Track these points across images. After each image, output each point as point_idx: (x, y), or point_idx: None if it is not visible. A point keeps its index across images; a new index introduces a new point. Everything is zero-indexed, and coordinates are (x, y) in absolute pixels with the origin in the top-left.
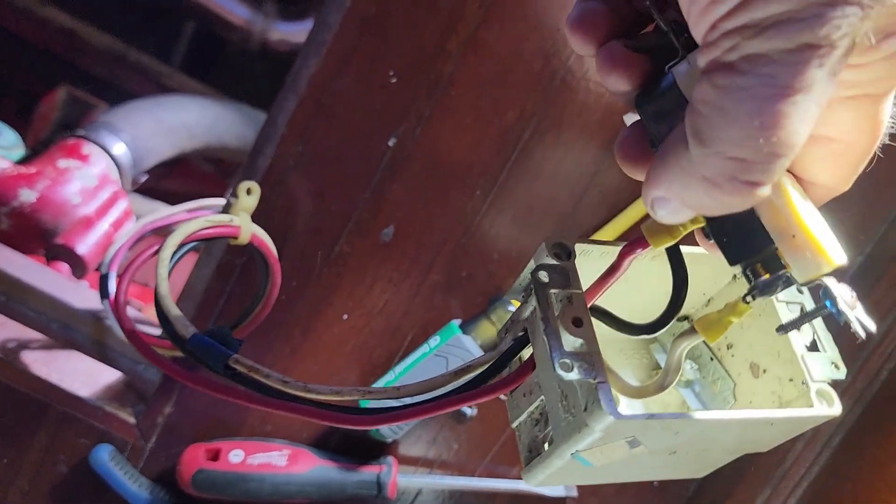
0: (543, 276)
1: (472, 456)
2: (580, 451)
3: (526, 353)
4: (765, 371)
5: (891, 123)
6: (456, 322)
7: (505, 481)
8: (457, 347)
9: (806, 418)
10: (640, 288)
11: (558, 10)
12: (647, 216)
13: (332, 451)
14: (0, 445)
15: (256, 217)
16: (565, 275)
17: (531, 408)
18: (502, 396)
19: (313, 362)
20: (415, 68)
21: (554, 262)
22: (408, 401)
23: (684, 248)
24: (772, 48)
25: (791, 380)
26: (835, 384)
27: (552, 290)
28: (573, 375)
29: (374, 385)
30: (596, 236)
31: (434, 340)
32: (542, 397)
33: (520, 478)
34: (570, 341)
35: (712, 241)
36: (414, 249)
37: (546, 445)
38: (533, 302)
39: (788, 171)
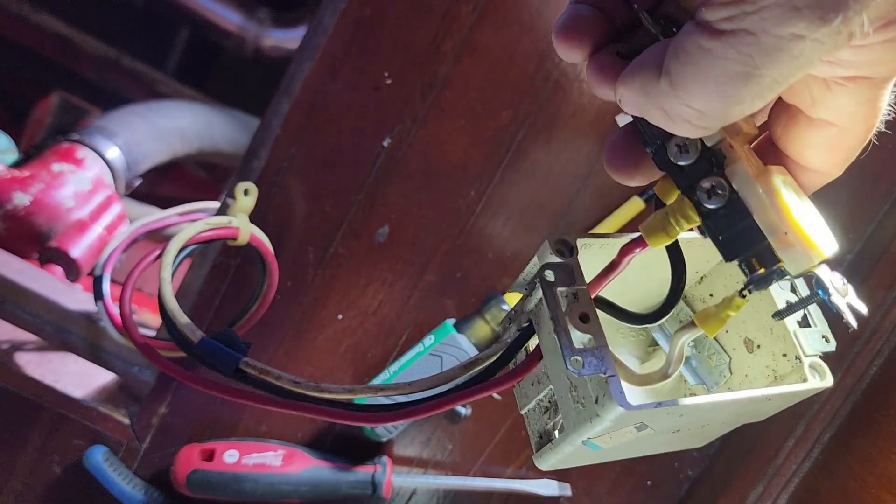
0: (550, 275)
1: (466, 456)
2: (591, 439)
3: (531, 343)
4: (759, 346)
5: (887, 111)
6: (450, 321)
7: (499, 481)
8: (451, 346)
9: (802, 391)
10: (640, 273)
11: (552, 12)
12: (642, 214)
13: (327, 451)
14: None
15: (251, 219)
16: (569, 271)
17: (540, 396)
18: (496, 395)
19: (308, 363)
20: (409, 70)
21: (557, 259)
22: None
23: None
24: (762, 29)
25: (784, 355)
26: (826, 357)
27: (559, 289)
28: (585, 371)
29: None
30: None
31: (429, 339)
32: (551, 386)
33: (514, 477)
34: (578, 337)
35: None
36: (408, 250)
37: (556, 433)
38: (537, 295)
39: (782, 159)
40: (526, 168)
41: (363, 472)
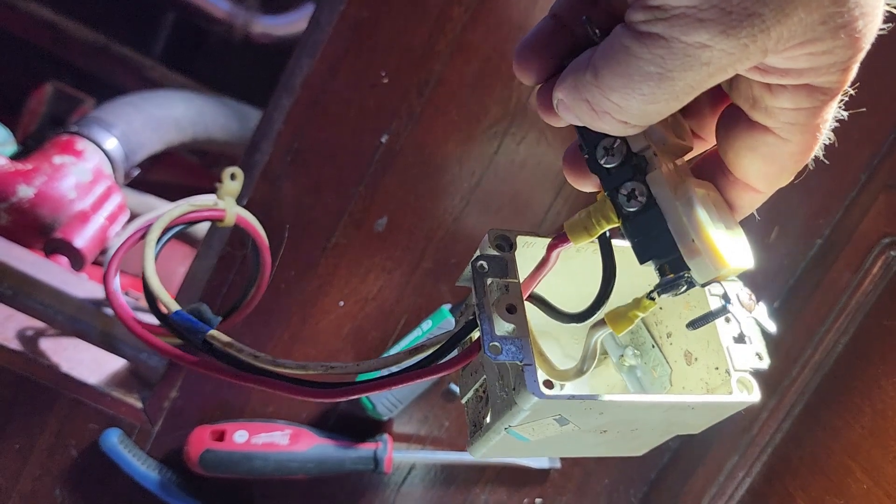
0: (482, 265)
1: (461, 432)
2: (513, 427)
3: (476, 334)
4: (696, 359)
5: (827, 136)
6: (446, 306)
7: None
8: (448, 330)
9: (724, 404)
10: (589, 275)
11: (539, 12)
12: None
13: (331, 429)
14: (13, 431)
15: (256, 211)
16: (504, 265)
17: (476, 385)
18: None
19: (312, 346)
20: (405, 68)
21: (495, 252)
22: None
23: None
24: (672, 35)
25: (717, 368)
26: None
27: (490, 279)
28: (501, 357)
29: None
30: None
31: (426, 324)
32: (485, 376)
33: None
34: (504, 326)
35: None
36: (406, 239)
37: (486, 420)
38: None
39: (723, 176)
40: (516, 161)
41: (365, 449)
